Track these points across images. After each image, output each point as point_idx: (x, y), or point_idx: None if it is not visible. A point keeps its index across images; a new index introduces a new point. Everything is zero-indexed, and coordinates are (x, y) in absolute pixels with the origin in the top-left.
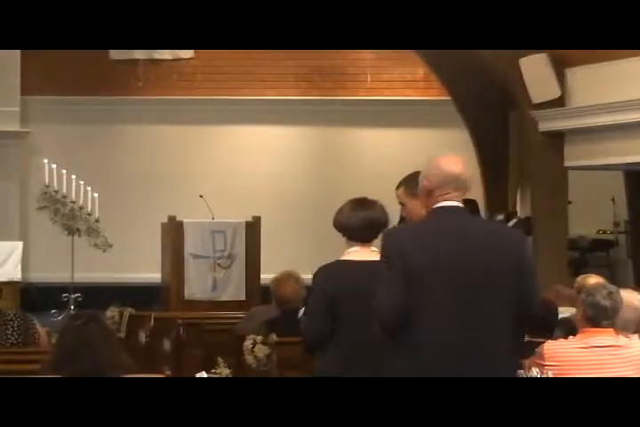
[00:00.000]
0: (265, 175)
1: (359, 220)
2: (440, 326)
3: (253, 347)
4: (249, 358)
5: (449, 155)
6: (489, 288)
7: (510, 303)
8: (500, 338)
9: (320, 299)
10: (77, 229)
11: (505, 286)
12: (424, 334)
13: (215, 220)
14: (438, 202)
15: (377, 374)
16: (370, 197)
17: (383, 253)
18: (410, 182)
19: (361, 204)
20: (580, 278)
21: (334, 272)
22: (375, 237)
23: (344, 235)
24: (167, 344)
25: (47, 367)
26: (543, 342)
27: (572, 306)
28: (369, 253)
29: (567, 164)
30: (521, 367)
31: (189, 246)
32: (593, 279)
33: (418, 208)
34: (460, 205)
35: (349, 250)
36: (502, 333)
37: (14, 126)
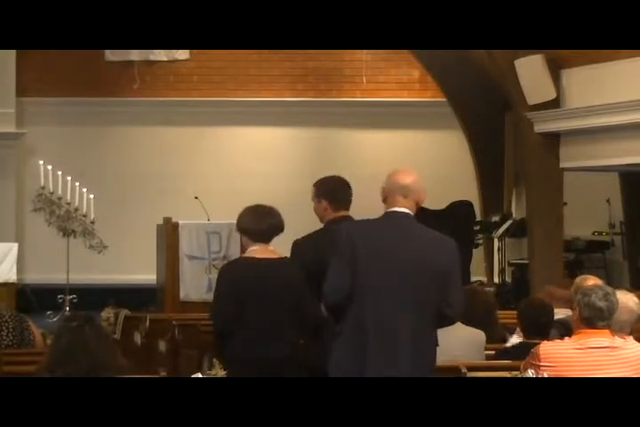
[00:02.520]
0: (261, 176)
1: (267, 225)
2: (376, 306)
3: None
4: None
5: (404, 168)
6: (419, 281)
7: (433, 299)
8: (423, 323)
9: (226, 290)
10: (73, 231)
11: (432, 284)
12: (364, 312)
13: (210, 221)
14: (390, 207)
15: (281, 353)
16: (367, 196)
17: (336, 242)
18: (318, 186)
19: (264, 211)
20: (578, 280)
21: (239, 267)
22: (272, 238)
23: (248, 237)
24: (162, 345)
25: (43, 369)
26: (539, 344)
27: (568, 307)
28: (268, 251)
29: (563, 165)
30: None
31: (185, 248)
32: (591, 281)
33: (318, 209)
34: (406, 211)
35: (251, 248)
36: (425, 320)
37: (10, 128)
